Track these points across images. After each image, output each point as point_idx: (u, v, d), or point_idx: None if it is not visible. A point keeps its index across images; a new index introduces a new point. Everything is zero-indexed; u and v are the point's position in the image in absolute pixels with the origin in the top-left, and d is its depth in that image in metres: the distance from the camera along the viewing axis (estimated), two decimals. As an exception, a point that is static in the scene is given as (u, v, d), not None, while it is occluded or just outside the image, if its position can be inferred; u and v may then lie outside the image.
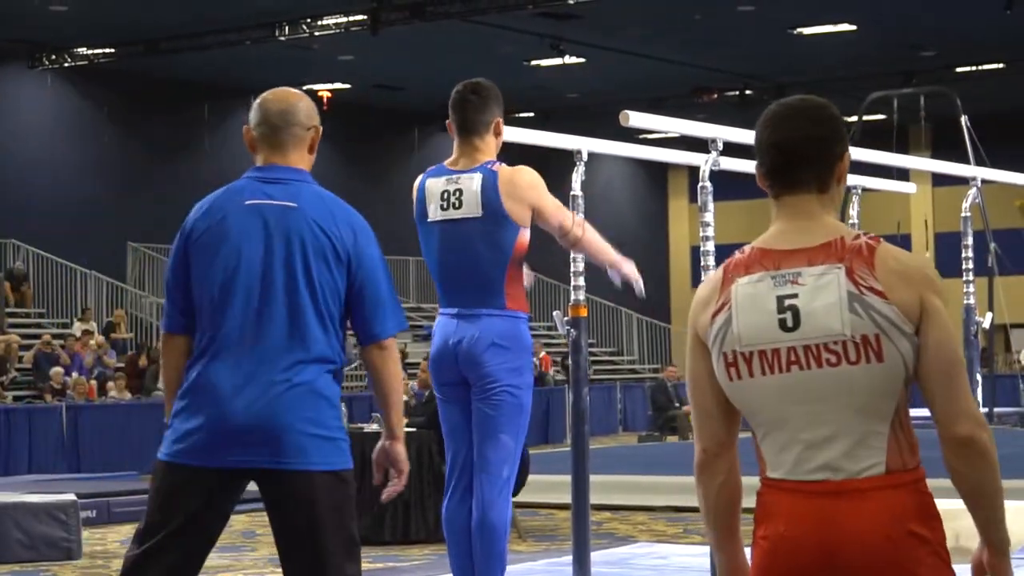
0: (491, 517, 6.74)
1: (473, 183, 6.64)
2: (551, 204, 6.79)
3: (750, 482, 3.24)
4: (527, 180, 6.72)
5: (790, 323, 3.20)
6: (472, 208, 6.63)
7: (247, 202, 4.79)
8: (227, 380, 4.67)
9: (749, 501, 3.27)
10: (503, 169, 6.69)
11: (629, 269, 7.06)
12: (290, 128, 4.88)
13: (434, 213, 6.73)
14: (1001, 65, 29.37)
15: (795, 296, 3.20)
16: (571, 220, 6.85)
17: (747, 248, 3.33)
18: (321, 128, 4.99)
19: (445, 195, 6.70)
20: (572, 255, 7.57)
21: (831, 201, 3.35)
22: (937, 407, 3.20)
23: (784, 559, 3.19)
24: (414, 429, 13.01)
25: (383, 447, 4.88)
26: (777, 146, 3.31)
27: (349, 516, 4.74)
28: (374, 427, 13.42)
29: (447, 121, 6.81)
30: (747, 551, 3.38)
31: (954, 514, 3.52)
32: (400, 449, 4.87)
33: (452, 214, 6.69)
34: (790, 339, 3.20)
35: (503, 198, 6.61)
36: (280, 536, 4.77)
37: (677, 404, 25.86)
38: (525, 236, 6.74)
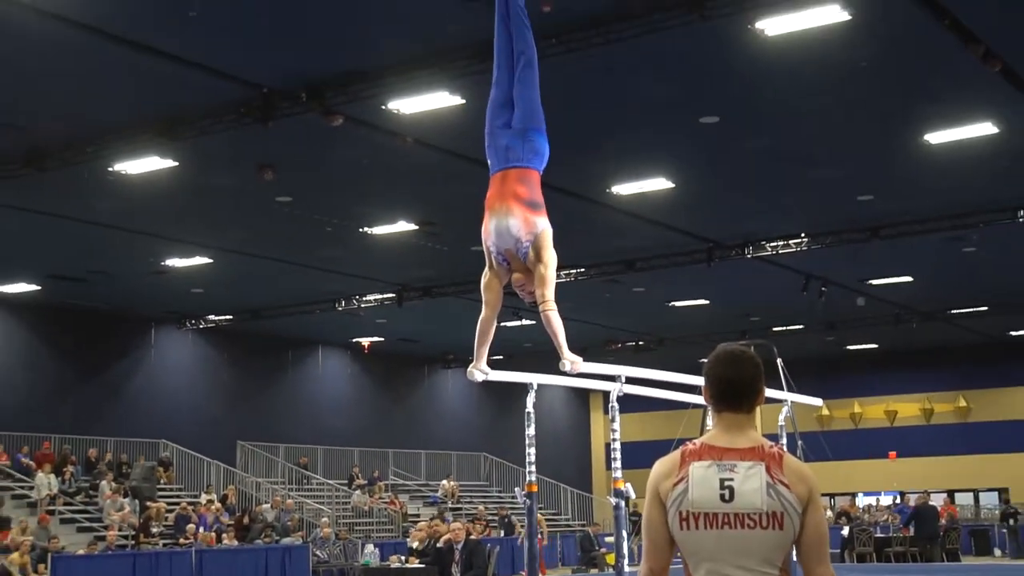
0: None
1: None
2: (546, 262, 5.48)
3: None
4: (544, 237, 5.52)
5: (727, 497, 3.15)
6: None
7: None
8: None
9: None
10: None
11: (568, 357, 5.85)
12: None
13: None
14: (801, 327, 29.61)
15: (732, 480, 3.16)
16: (547, 295, 5.49)
17: (698, 442, 3.28)
18: None
19: None
20: (527, 445, 7.49)
21: (754, 417, 3.34)
22: (811, 568, 3.18)
23: None
24: (423, 566, 12.68)
25: None
26: (730, 381, 3.28)
27: None
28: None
29: None
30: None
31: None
32: None
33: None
34: (726, 508, 3.14)
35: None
36: None
37: (598, 548, 25.36)
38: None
